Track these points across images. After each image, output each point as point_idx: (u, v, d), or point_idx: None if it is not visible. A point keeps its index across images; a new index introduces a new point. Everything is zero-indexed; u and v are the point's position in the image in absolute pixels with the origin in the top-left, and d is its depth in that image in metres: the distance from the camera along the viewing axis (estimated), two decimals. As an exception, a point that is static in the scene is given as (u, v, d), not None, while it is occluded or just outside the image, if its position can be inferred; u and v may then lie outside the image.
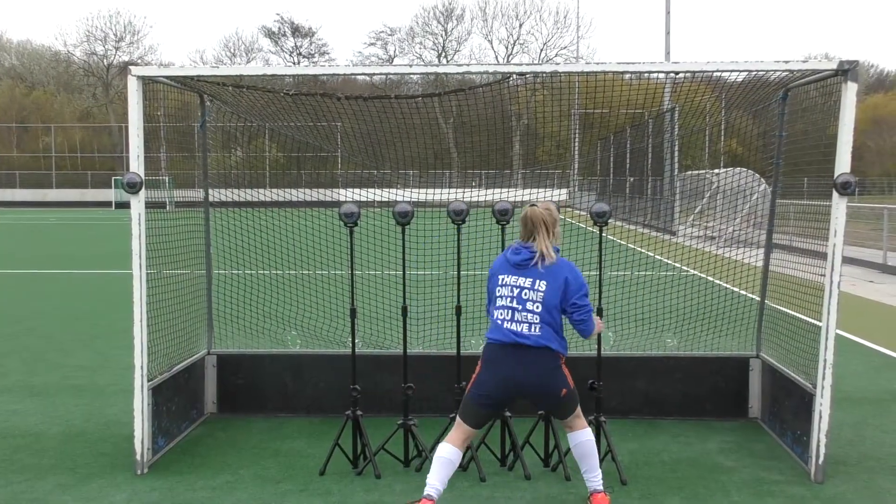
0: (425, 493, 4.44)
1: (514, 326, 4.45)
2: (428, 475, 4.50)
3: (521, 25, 78.57)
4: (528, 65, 5.43)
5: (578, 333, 4.62)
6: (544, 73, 5.61)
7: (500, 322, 4.50)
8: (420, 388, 5.76)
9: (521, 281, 4.48)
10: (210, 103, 6.38)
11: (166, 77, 5.49)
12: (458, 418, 4.62)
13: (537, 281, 4.47)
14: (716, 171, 18.26)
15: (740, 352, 6.77)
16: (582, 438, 4.64)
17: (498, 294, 4.54)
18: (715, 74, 5.53)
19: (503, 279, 4.54)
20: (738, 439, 6.00)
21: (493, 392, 4.50)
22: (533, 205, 4.58)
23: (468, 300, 6.00)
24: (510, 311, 4.48)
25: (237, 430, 6.22)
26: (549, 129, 7.54)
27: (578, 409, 4.64)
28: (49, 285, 15.31)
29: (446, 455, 4.50)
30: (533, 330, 4.43)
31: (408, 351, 5.57)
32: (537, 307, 4.44)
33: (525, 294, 4.46)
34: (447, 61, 68.54)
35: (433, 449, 5.36)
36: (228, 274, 7.20)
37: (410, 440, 5.45)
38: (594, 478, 4.66)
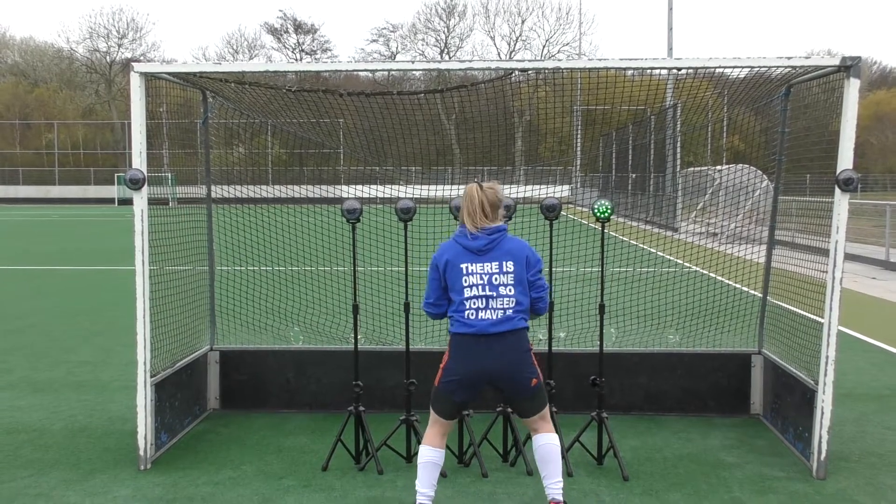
0: (417, 501, 4.41)
1: (488, 315, 4.30)
2: (416, 482, 4.45)
3: (523, 22, 78.52)
4: (530, 61, 5.42)
5: (534, 312, 4.48)
6: (547, 69, 5.61)
7: (472, 312, 4.32)
8: (422, 383, 5.77)
9: (489, 266, 4.33)
10: (212, 100, 6.39)
11: (169, 74, 5.49)
12: (431, 413, 4.51)
13: (504, 263, 4.34)
14: (718, 167, 18.24)
15: (742, 348, 6.77)
16: (546, 441, 4.43)
17: (466, 284, 4.34)
18: (717, 71, 5.52)
19: (468, 268, 4.35)
20: (740, 436, 6.01)
21: (463, 379, 4.35)
22: (479, 185, 4.40)
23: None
24: (484, 299, 4.32)
25: (240, 425, 6.23)
26: (552, 126, 7.54)
27: (547, 410, 4.48)
28: (52, 281, 15.34)
29: (429, 458, 4.43)
30: (507, 314, 4.30)
31: (410, 347, 5.58)
32: (510, 290, 4.32)
33: (496, 279, 4.32)
34: (449, 58, 68.46)
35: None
36: (231, 270, 7.22)
37: (412, 436, 5.46)
38: (554, 485, 4.41)
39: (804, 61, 5.16)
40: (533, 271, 4.42)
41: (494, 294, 4.32)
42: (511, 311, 4.32)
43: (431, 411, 4.51)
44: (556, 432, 5.30)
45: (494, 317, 4.30)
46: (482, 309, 4.32)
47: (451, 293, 4.41)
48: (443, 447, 4.49)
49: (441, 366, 4.46)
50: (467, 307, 4.34)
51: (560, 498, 4.40)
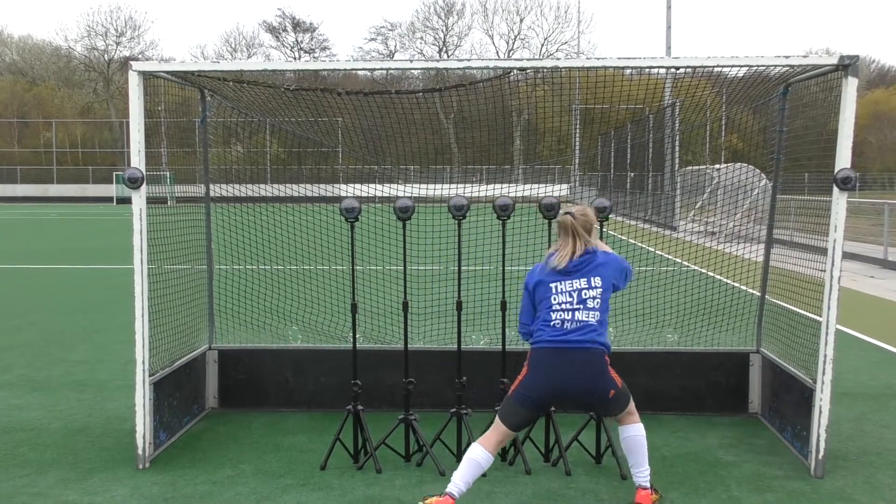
0: (447, 489, 4.41)
1: (572, 326, 4.44)
2: (455, 472, 4.48)
3: (521, 20, 78.72)
4: (528, 60, 5.42)
5: None
6: (545, 68, 5.61)
7: (555, 325, 4.46)
8: (421, 382, 5.77)
9: (577, 283, 4.48)
10: (211, 98, 6.38)
11: (167, 72, 5.48)
12: (496, 419, 4.59)
13: (592, 279, 4.49)
14: (716, 166, 18.25)
15: (740, 347, 6.78)
16: (630, 433, 4.64)
17: (555, 301, 4.49)
18: (715, 69, 5.52)
19: (556, 286, 4.50)
20: (738, 434, 6.01)
21: (538, 395, 4.48)
22: (568, 212, 4.58)
23: (469, 296, 6.00)
24: (570, 311, 4.46)
25: (238, 424, 6.23)
26: (550, 125, 7.53)
27: (631, 405, 4.63)
28: (50, 280, 15.32)
29: (476, 457, 4.47)
30: (588, 331, 4.44)
31: (409, 346, 5.58)
32: (597, 303, 4.47)
33: (585, 293, 4.47)
34: (448, 57, 68.46)
35: (434, 444, 5.39)
36: (229, 269, 7.21)
37: (411, 435, 5.46)
38: (640, 473, 4.66)
39: (802, 60, 5.16)
40: (623, 280, 4.63)
41: (581, 307, 4.47)
42: (593, 326, 4.46)
43: (497, 417, 4.59)
44: (554, 431, 5.34)
45: (577, 328, 4.45)
46: (568, 321, 4.46)
47: (539, 310, 4.57)
48: (493, 455, 4.53)
49: (518, 378, 4.57)
50: (553, 319, 4.49)
51: (646, 483, 4.63)
